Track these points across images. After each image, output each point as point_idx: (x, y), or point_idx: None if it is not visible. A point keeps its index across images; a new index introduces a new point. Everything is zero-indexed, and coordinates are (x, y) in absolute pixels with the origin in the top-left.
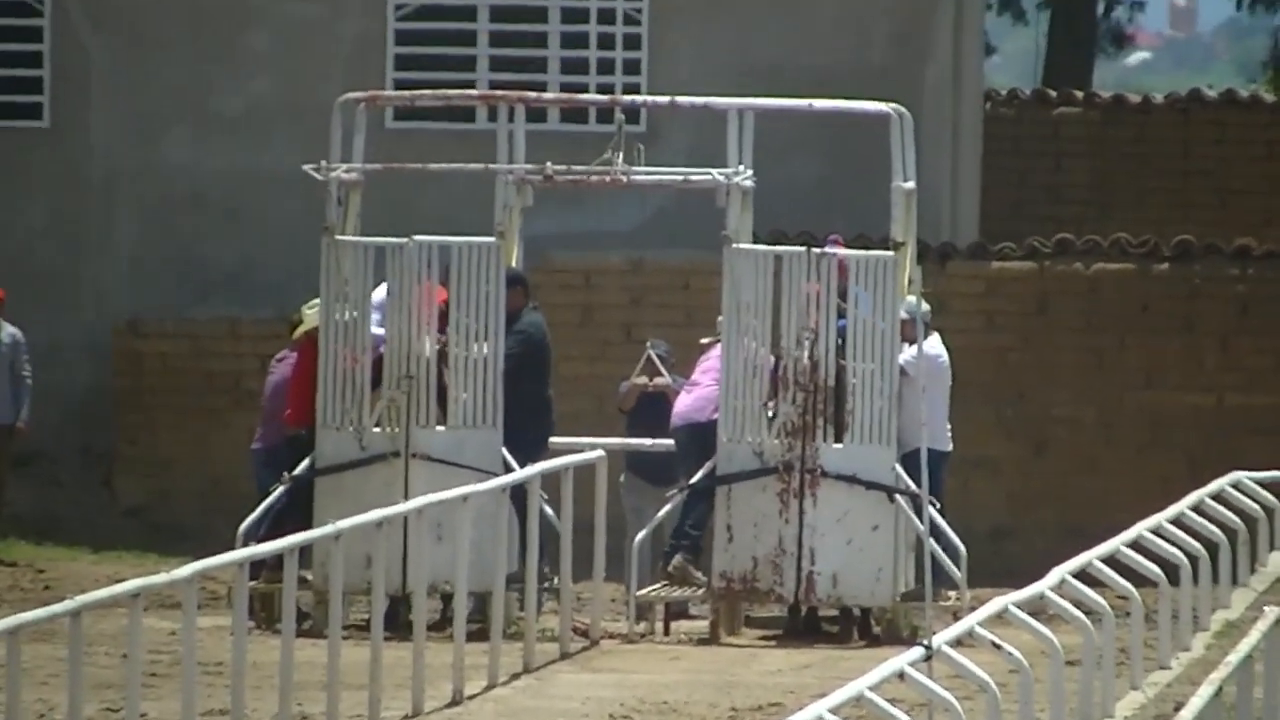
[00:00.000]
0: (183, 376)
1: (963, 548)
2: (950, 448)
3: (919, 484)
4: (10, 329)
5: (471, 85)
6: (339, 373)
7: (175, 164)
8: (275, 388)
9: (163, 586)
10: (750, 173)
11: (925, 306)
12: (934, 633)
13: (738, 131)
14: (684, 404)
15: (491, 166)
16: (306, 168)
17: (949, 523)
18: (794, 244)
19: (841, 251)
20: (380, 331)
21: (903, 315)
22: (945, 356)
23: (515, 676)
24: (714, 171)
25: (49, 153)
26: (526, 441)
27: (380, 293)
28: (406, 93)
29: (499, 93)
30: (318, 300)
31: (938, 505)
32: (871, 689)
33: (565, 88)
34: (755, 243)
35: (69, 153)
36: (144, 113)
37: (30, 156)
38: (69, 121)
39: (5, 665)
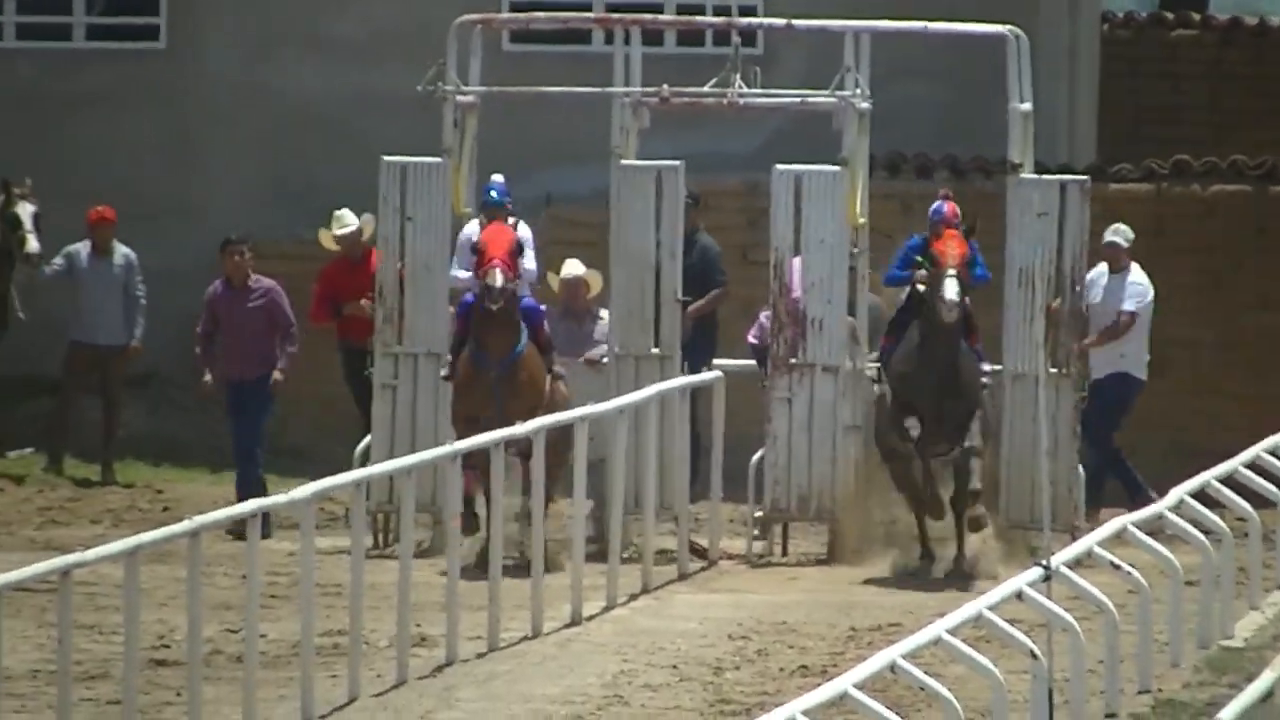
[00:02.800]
0: (295, 297)
1: (1082, 471)
2: (1145, 377)
3: (1104, 409)
4: (123, 249)
5: (588, 8)
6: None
7: (289, 86)
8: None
9: (281, 507)
10: (867, 95)
11: (1130, 234)
12: (1052, 553)
13: (854, 54)
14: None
15: (608, 90)
16: (423, 89)
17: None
18: (910, 167)
19: (949, 208)
20: (464, 275)
21: (1118, 241)
22: (1149, 287)
23: (634, 597)
24: (830, 94)
25: (164, 74)
26: (701, 361)
27: (468, 230)
28: (522, 15)
29: (615, 15)
30: (344, 211)
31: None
32: (990, 609)
33: (681, 10)
34: (872, 165)
35: (183, 74)
36: (258, 35)
37: (145, 78)
38: (184, 43)
39: (124, 586)
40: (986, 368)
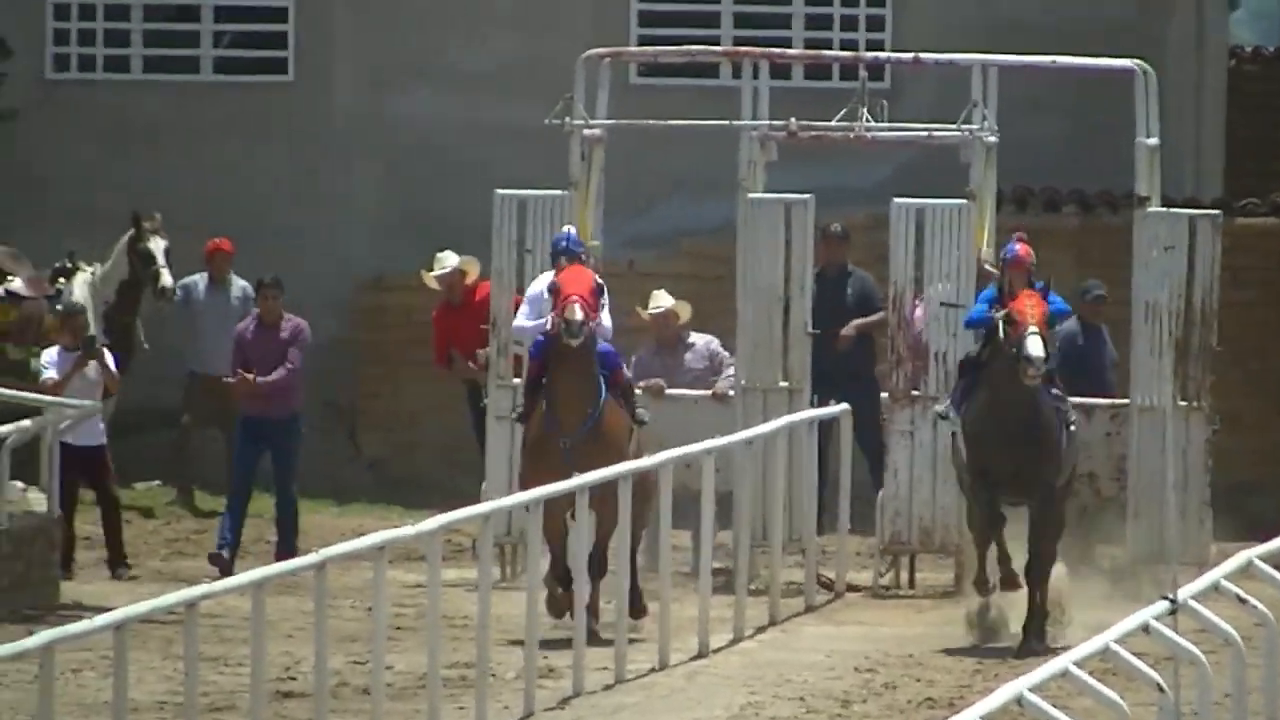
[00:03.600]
0: (425, 330)
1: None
2: None
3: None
4: (240, 281)
5: (715, 41)
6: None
7: (416, 118)
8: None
9: (408, 540)
10: (994, 129)
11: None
12: (1179, 587)
13: (981, 88)
14: None
15: (735, 123)
16: (550, 121)
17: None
18: (1038, 201)
19: (1022, 249)
20: (531, 324)
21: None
22: None
23: (761, 630)
24: (958, 128)
25: (291, 107)
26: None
27: (538, 285)
28: (650, 49)
29: (743, 49)
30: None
31: None
32: (1116, 642)
33: (809, 44)
34: (999, 199)
35: (311, 107)
36: (385, 68)
37: (273, 111)
38: (312, 76)
39: (251, 618)
40: (1067, 409)
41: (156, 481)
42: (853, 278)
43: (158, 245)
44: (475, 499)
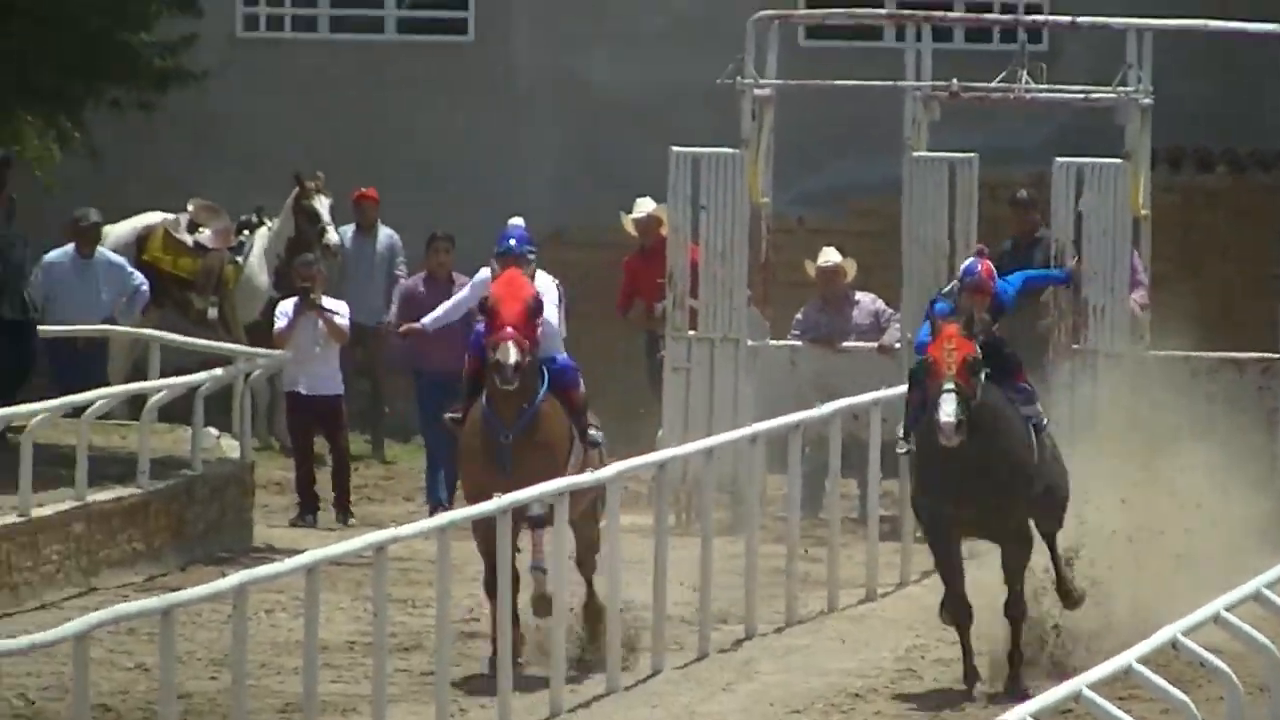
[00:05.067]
0: (601, 283)
1: None
2: None
3: None
4: (386, 230)
5: (880, 5)
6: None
7: (593, 77)
8: None
9: (589, 485)
10: (1149, 90)
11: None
12: None
13: (1136, 51)
14: None
15: (899, 84)
16: (721, 81)
17: None
18: (1191, 161)
19: (983, 267)
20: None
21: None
22: None
23: (926, 575)
24: (1113, 90)
25: (471, 66)
26: None
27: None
28: (818, 11)
29: (906, 12)
30: (645, 199)
31: None
32: (1185, 634)
33: (969, 7)
34: (1153, 159)
35: (491, 67)
36: (564, 28)
37: (454, 70)
38: (492, 36)
39: (437, 561)
40: (1034, 412)
41: None
42: (1041, 243)
43: (322, 203)
44: (651, 448)
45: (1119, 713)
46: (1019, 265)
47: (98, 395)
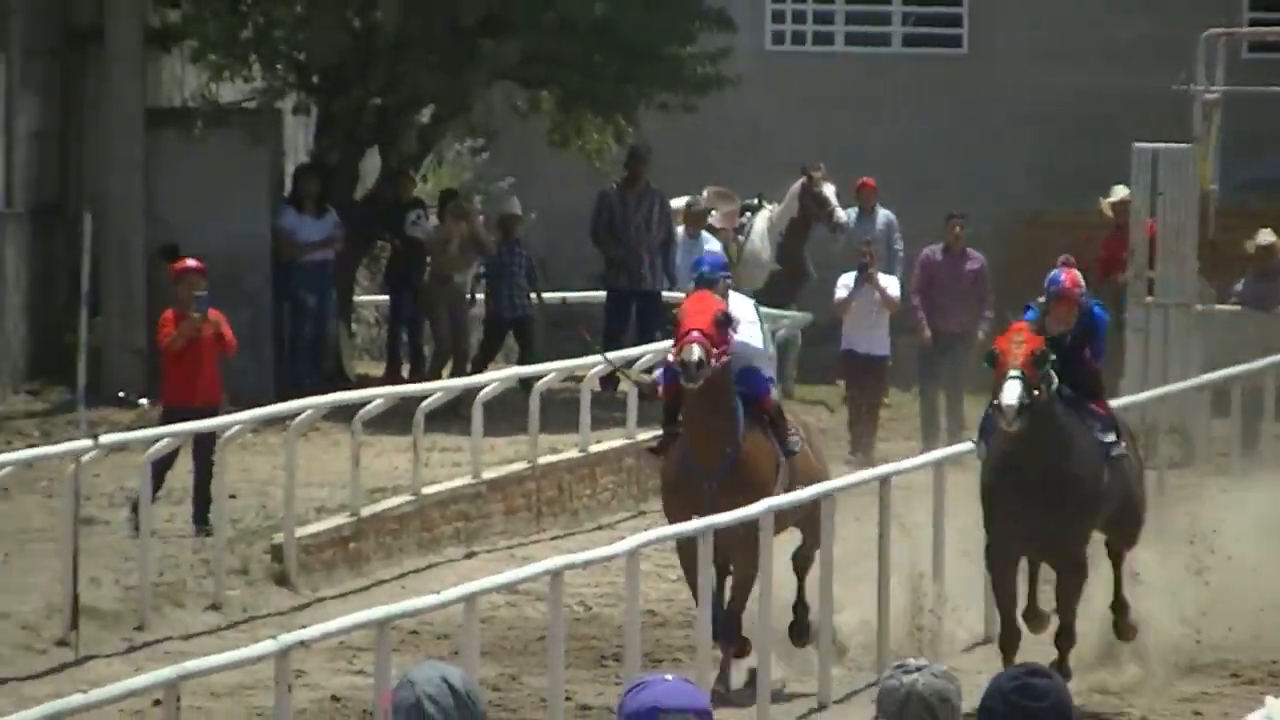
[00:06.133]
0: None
1: None
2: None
3: None
4: (884, 212)
5: None
6: None
7: (1069, 83)
8: None
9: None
10: None
11: None
12: None
13: None
14: None
15: None
16: (1176, 87)
17: None
18: None
19: (1067, 277)
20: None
21: None
22: None
23: None
24: None
25: (964, 75)
26: None
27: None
28: (1259, 29)
29: None
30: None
31: None
32: None
33: None
34: None
35: (981, 75)
36: (1043, 43)
37: (949, 78)
38: (983, 50)
39: (933, 492)
40: (1110, 439)
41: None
42: None
43: (829, 189)
44: None
45: None
46: None
47: (644, 350)
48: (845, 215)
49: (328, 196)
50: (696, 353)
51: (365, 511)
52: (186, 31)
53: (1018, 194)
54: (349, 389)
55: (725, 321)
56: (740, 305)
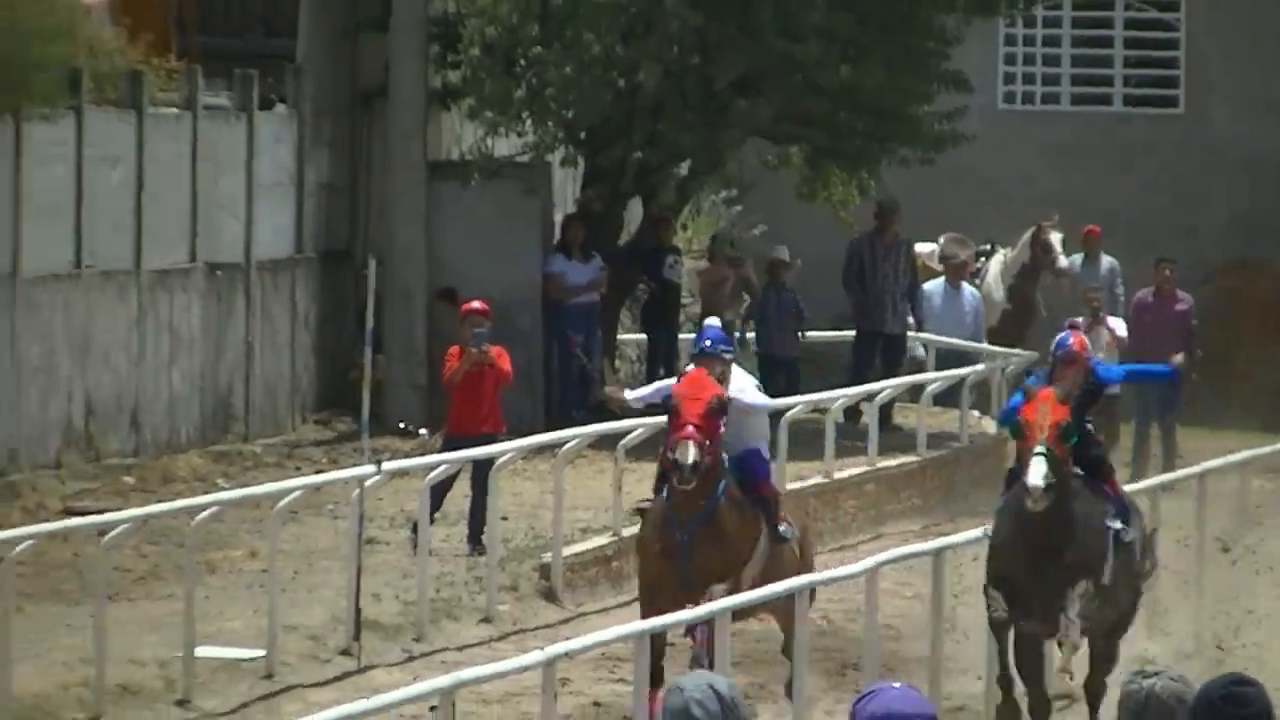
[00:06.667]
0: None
1: None
2: None
3: None
4: (1108, 258)
5: None
6: None
7: (1265, 139)
8: None
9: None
10: None
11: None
12: None
13: None
14: None
15: None
16: None
17: None
18: None
19: (1075, 340)
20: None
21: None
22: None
23: None
24: None
25: (1177, 134)
26: None
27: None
28: None
29: None
30: None
31: None
32: None
33: None
34: None
35: (1192, 133)
36: (1251, 103)
37: (1165, 137)
38: (1198, 109)
39: None
40: (1118, 525)
41: None
42: None
43: (1055, 237)
44: None
45: None
46: None
47: (885, 385)
48: (1067, 261)
49: (593, 243)
50: (692, 455)
51: (626, 532)
52: (465, 91)
53: (1228, 241)
54: (613, 419)
55: (720, 409)
56: (742, 379)
